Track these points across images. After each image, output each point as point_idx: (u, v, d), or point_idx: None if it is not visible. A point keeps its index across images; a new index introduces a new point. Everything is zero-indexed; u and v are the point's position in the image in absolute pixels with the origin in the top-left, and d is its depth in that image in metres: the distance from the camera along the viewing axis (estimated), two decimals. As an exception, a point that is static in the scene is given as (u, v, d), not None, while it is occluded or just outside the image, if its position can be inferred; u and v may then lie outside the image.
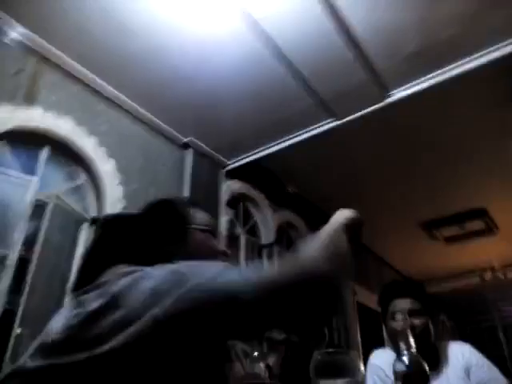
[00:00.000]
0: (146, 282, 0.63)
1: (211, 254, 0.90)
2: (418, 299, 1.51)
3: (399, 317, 1.47)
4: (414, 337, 1.15)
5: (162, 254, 0.82)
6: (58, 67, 2.46)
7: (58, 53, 2.44)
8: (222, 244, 0.97)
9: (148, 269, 0.68)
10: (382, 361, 1.49)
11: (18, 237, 2.03)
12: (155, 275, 0.64)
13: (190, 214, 0.93)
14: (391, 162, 3.62)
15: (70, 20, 2.29)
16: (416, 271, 5.44)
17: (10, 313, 1.94)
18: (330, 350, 0.97)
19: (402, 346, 1.13)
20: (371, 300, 4.76)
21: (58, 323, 0.65)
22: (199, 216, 0.94)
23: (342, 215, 0.92)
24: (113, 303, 0.60)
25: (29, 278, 2.01)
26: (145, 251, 0.83)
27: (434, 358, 1.42)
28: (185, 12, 2.26)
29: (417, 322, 1.44)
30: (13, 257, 1.99)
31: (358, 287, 4.54)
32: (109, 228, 0.88)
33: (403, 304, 1.50)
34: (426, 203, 4.23)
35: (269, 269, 0.72)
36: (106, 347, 0.56)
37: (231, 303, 0.60)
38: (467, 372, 1.40)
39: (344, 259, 0.75)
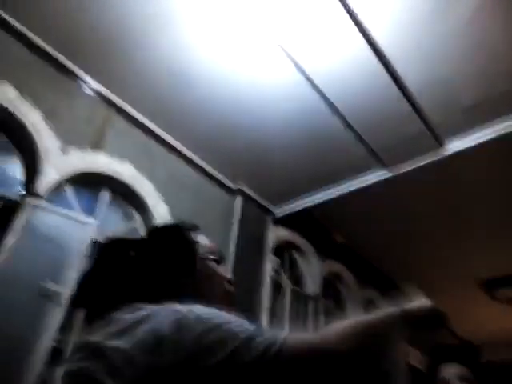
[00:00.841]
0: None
1: (219, 284, 0.89)
2: (468, 365, 1.43)
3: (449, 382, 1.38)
4: None
5: (172, 286, 0.81)
6: (123, 118, 2.66)
7: (125, 105, 2.65)
8: (227, 271, 0.93)
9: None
10: None
11: (73, 275, 2.11)
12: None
13: (196, 241, 0.90)
14: (444, 215, 3.45)
15: (139, 75, 2.48)
16: (475, 334, 5.01)
17: (58, 351, 1.97)
18: None
19: None
20: (423, 363, 4.41)
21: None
22: (203, 242, 0.92)
23: (414, 304, 0.80)
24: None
25: (79, 317, 2.06)
26: (155, 283, 0.81)
27: None
28: (241, 63, 2.38)
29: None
30: (66, 294, 2.06)
31: (410, 349, 4.23)
32: (111, 253, 0.87)
33: (453, 371, 1.42)
34: (484, 260, 3.95)
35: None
36: None
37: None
38: None
39: (379, 343, 0.67)
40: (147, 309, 0.68)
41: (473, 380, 1.38)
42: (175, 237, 0.91)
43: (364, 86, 2.40)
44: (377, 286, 4.28)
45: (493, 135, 2.53)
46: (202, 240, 0.93)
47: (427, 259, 3.99)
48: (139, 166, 2.64)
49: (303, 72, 2.37)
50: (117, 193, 2.60)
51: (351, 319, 0.69)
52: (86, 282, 0.83)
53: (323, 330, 0.67)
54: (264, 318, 3.02)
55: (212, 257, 0.92)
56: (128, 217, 2.67)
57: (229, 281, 0.92)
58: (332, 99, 2.50)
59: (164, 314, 0.64)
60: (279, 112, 2.64)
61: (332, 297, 3.89)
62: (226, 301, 0.88)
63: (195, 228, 0.96)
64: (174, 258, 0.86)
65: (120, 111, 2.64)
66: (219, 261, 0.93)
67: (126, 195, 2.62)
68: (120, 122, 2.64)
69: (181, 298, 0.74)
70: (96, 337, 0.66)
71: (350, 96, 2.47)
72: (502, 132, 2.50)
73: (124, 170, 2.54)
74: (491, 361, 4.40)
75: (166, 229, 0.95)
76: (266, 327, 0.64)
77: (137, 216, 2.69)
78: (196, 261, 0.88)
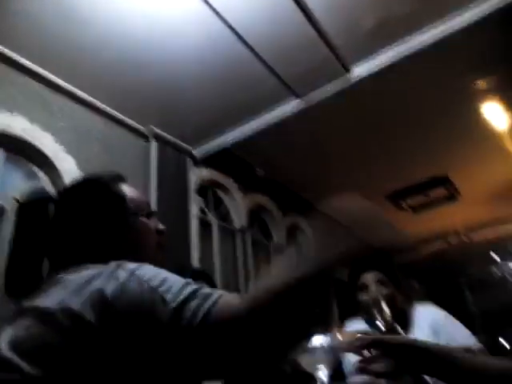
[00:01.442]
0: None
1: (152, 239, 0.88)
2: (384, 271, 1.63)
3: (369, 288, 1.58)
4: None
5: (104, 244, 0.79)
6: (5, 63, 2.32)
7: (7, 51, 2.30)
8: (158, 223, 0.92)
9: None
10: (355, 329, 1.54)
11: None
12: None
13: (126, 196, 0.87)
14: (354, 136, 3.66)
15: (18, 15, 2.15)
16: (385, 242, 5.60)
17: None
18: None
19: (376, 313, 1.18)
20: (342, 272, 4.89)
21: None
22: (131, 195, 0.88)
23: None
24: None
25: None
26: (85, 242, 0.79)
27: (403, 323, 1.46)
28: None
29: (384, 291, 1.55)
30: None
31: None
32: (30, 217, 0.84)
33: (371, 277, 1.61)
34: (390, 175, 4.33)
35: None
36: None
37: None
38: (435, 331, 1.48)
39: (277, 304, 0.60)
40: (94, 268, 0.66)
41: (387, 281, 1.59)
42: (102, 191, 0.86)
43: (269, 14, 2.32)
44: (299, 211, 4.53)
45: (393, 55, 2.65)
46: (130, 193, 0.89)
47: (341, 180, 4.24)
48: (34, 119, 2.37)
49: (207, 2, 2.22)
50: (12, 150, 2.34)
51: (270, 276, 0.67)
52: (12, 259, 0.79)
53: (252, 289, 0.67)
54: (195, 257, 3.07)
55: (143, 212, 0.88)
56: (31, 175, 2.45)
57: (161, 232, 0.90)
58: (238, 29, 2.40)
59: (107, 274, 0.63)
60: (186, 47, 2.49)
61: (258, 228, 4.05)
62: (159, 254, 0.87)
63: (120, 179, 0.91)
64: (103, 215, 0.82)
65: (2, 59, 2.30)
66: (150, 214, 0.91)
67: (23, 152, 2.38)
68: (4, 71, 2.31)
69: (114, 254, 0.73)
70: (44, 301, 0.64)
71: (257, 25, 2.39)
72: (403, 54, 2.63)
73: (16, 124, 2.28)
74: (400, 263, 4.99)
75: (88, 182, 0.89)
76: (202, 285, 0.63)
77: (41, 174, 2.47)
78: (127, 218, 0.84)
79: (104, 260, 0.69)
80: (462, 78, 3.04)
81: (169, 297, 0.59)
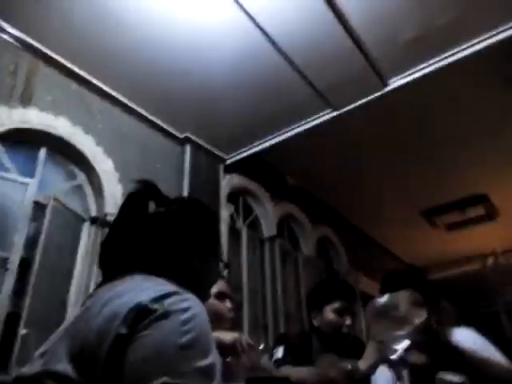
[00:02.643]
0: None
1: (214, 281, 0.96)
2: (419, 290, 1.46)
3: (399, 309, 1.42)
4: None
5: (185, 262, 0.81)
6: (52, 68, 2.44)
7: (51, 53, 2.42)
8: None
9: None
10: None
11: (18, 239, 2.02)
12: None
13: (220, 236, 0.95)
14: (391, 150, 3.60)
15: (61, 19, 2.26)
16: (418, 259, 5.44)
17: (15, 315, 1.93)
18: None
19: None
20: (374, 289, 4.78)
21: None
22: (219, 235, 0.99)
23: None
24: None
25: (32, 280, 2.00)
26: (172, 249, 0.81)
27: (442, 352, 1.37)
28: (177, 2, 2.22)
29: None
30: (14, 259, 1.98)
31: (362, 276, 4.55)
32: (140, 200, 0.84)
33: (404, 297, 1.43)
34: (426, 191, 4.22)
35: None
36: None
37: None
38: None
39: None
40: (189, 300, 0.65)
41: (421, 301, 1.45)
42: (209, 218, 0.92)
43: (307, 24, 2.33)
44: (329, 222, 4.48)
45: (431, 69, 2.59)
46: (219, 234, 0.99)
47: (375, 194, 4.19)
48: (76, 120, 2.47)
49: (245, 11, 2.25)
50: (55, 150, 2.44)
51: None
52: (108, 238, 0.82)
53: None
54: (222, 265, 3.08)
55: (223, 260, 0.97)
56: (70, 175, 2.55)
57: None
58: (276, 39, 2.43)
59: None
60: (223, 55, 2.53)
61: (287, 237, 4.03)
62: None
63: (218, 218, 1.03)
64: (200, 238, 0.86)
65: (48, 60, 2.41)
66: (226, 267, 0.99)
67: (64, 152, 2.47)
68: (49, 73, 2.42)
69: (185, 278, 0.76)
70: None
71: (294, 35, 2.40)
72: (440, 65, 2.57)
73: (59, 125, 2.38)
74: (434, 280, 4.82)
75: (200, 204, 0.95)
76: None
77: (80, 174, 2.56)
78: (217, 250, 0.91)
79: (168, 272, 0.74)
80: (503, 93, 2.94)
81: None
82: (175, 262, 0.80)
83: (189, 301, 0.65)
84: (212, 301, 1.40)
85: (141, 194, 0.84)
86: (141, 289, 0.67)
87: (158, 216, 0.84)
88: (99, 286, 0.76)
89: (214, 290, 1.43)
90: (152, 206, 0.86)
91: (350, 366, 1.31)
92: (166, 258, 0.79)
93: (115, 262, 0.78)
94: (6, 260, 1.96)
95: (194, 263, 0.83)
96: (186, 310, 0.62)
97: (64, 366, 0.59)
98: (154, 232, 0.81)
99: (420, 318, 1.10)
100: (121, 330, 0.58)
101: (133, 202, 0.83)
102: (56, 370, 0.59)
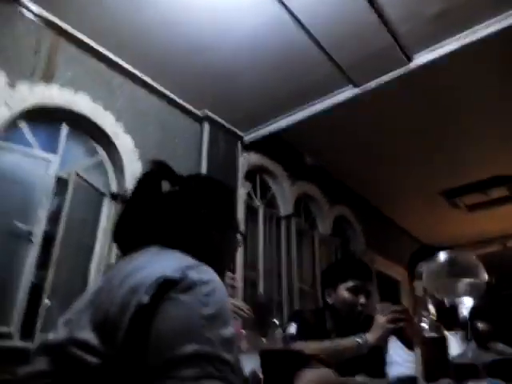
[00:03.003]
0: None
1: (234, 253, 1.00)
2: None
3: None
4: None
5: (203, 234, 0.84)
6: (72, 44, 2.45)
7: (72, 29, 2.43)
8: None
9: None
10: None
11: (42, 213, 2.09)
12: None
13: (236, 210, 0.97)
14: (412, 129, 3.52)
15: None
16: (437, 240, 5.38)
17: (38, 287, 2.02)
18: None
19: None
20: (390, 269, 4.77)
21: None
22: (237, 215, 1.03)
23: None
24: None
25: (54, 253, 2.07)
26: (190, 225, 0.83)
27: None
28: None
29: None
30: (38, 233, 2.05)
31: (377, 256, 4.54)
32: (154, 179, 0.86)
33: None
34: (448, 171, 4.13)
35: None
36: None
37: None
38: None
39: None
40: (208, 273, 0.68)
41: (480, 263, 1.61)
42: (225, 193, 0.95)
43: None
44: (347, 202, 4.46)
45: (457, 46, 2.50)
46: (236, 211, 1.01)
47: (395, 173, 4.13)
48: (96, 97, 2.50)
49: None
50: (76, 127, 2.48)
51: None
52: (124, 214, 0.84)
53: None
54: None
55: (241, 232, 0.99)
56: (91, 151, 2.59)
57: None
58: (298, 14, 2.37)
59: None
60: (244, 31, 2.49)
61: (304, 216, 4.04)
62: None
63: (234, 194, 1.04)
64: (218, 212, 0.89)
65: (69, 38, 2.43)
66: (243, 239, 1.02)
67: (85, 129, 2.51)
68: (70, 50, 2.44)
69: (203, 250, 0.79)
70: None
71: (316, 10, 2.33)
72: (464, 42, 2.47)
73: (80, 102, 2.40)
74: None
75: (215, 181, 0.98)
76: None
77: (100, 150, 2.60)
78: (234, 222, 0.94)
79: (187, 245, 0.76)
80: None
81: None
82: (193, 234, 0.82)
83: (208, 273, 0.67)
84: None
85: (154, 174, 0.86)
86: (161, 261, 0.69)
87: (172, 193, 0.87)
88: (119, 258, 0.79)
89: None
90: (166, 186, 0.88)
91: (359, 340, 1.37)
92: (182, 231, 0.81)
93: (131, 236, 0.81)
94: (29, 233, 2.03)
95: (213, 235, 0.85)
96: (207, 282, 0.64)
97: (88, 335, 0.61)
98: (170, 207, 0.84)
99: (482, 278, 1.08)
100: (143, 301, 0.60)
101: (146, 181, 0.85)
102: (80, 338, 0.62)
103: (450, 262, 0.95)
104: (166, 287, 0.61)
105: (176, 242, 0.77)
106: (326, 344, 1.43)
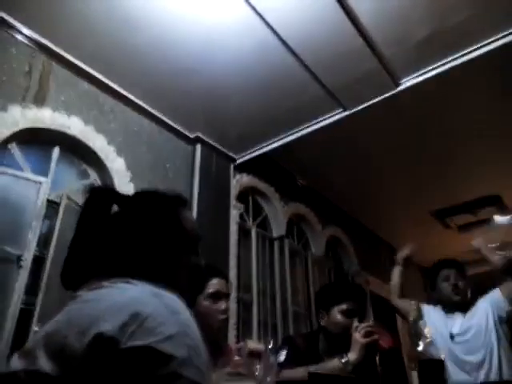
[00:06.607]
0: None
1: (189, 276, 0.85)
2: (461, 271, 2.30)
3: (450, 278, 2.21)
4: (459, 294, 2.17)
5: (156, 267, 0.77)
6: (64, 68, 2.48)
7: (64, 53, 2.46)
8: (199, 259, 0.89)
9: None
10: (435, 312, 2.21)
11: (32, 237, 2.06)
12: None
13: (188, 229, 0.84)
14: (402, 151, 3.57)
15: (75, 20, 2.29)
16: (428, 260, 5.39)
17: (28, 312, 1.97)
18: None
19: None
20: (383, 289, 4.74)
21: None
22: (191, 227, 0.86)
23: None
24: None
25: (44, 277, 2.03)
26: (142, 258, 0.76)
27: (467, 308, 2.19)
28: (186, 2, 2.23)
29: (461, 283, 2.22)
30: (28, 257, 2.02)
31: (371, 277, 4.52)
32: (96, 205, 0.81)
33: (451, 272, 2.25)
34: (438, 192, 4.18)
35: None
36: None
37: None
38: (491, 302, 2.15)
39: None
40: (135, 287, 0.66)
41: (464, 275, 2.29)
42: (172, 215, 0.83)
43: (318, 24, 2.32)
44: (339, 223, 4.46)
45: (444, 69, 2.57)
46: (190, 224, 0.86)
47: (386, 194, 4.16)
48: (88, 120, 2.51)
49: (256, 10, 2.26)
50: (67, 149, 2.48)
51: None
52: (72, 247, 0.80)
53: None
54: (232, 263, 3.10)
55: (195, 251, 0.87)
56: (82, 174, 2.58)
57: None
58: (286, 38, 2.42)
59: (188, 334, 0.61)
60: (234, 55, 2.54)
61: (297, 237, 4.03)
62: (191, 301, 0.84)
63: (185, 203, 0.89)
64: (176, 233, 0.81)
65: (61, 61, 2.45)
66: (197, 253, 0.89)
67: (77, 151, 2.51)
68: (62, 73, 2.46)
69: (170, 279, 0.74)
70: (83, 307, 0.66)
71: (305, 34, 2.39)
72: (452, 65, 2.54)
73: (72, 125, 2.41)
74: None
75: (161, 199, 0.86)
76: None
77: (92, 173, 2.60)
78: (185, 253, 0.83)
79: (145, 276, 0.70)
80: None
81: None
82: (153, 265, 0.76)
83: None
84: (203, 302, 1.39)
85: (95, 202, 0.82)
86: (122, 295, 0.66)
87: (115, 217, 0.82)
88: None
89: (210, 290, 1.43)
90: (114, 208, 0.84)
91: (342, 360, 1.47)
92: (141, 262, 0.76)
93: (82, 272, 0.76)
94: (19, 257, 1.99)
95: (163, 259, 0.78)
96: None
97: (44, 364, 0.59)
98: (116, 233, 0.79)
99: None
100: (106, 332, 0.57)
101: (88, 210, 0.81)
102: (35, 368, 0.59)
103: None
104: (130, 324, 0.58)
105: (136, 273, 0.72)
106: (312, 368, 1.45)
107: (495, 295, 2.16)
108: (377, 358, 1.35)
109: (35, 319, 1.93)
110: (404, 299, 2.39)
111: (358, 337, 1.52)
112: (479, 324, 2.08)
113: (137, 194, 0.90)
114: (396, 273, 2.55)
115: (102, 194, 0.83)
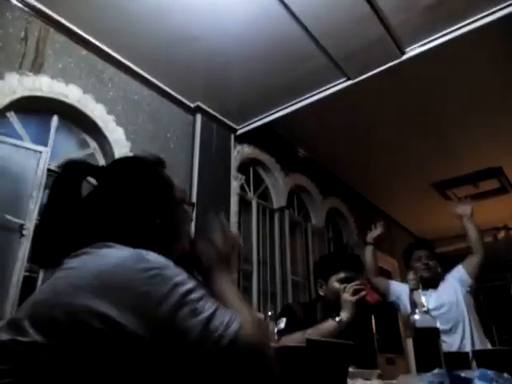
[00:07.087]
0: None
1: (189, 227, 0.87)
2: (431, 250, 2.55)
3: (422, 259, 2.46)
4: (430, 272, 2.42)
5: (144, 227, 0.76)
6: (62, 34, 2.41)
7: (62, 19, 2.39)
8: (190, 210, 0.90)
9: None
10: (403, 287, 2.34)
11: (33, 206, 2.07)
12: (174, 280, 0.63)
13: (173, 183, 0.85)
14: (404, 122, 3.53)
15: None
16: (429, 232, 5.44)
17: (32, 279, 2.00)
18: None
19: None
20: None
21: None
22: (176, 183, 0.86)
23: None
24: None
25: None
26: (128, 221, 0.76)
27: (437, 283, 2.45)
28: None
29: (432, 262, 2.47)
30: (30, 225, 2.03)
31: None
32: (69, 179, 0.79)
33: (422, 252, 2.49)
34: (439, 163, 4.16)
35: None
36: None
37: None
38: (456, 279, 2.43)
39: None
40: (119, 251, 0.67)
41: (434, 257, 2.51)
42: (152, 173, 0.83)
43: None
44: (339, 194, 4.47)
45: (449, 38, 2.50)
46: (171, 181, 0.86)
47: (386, 165, 4.15)
48: (87, 88, 2.46)
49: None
50: (67, 119, 2.45)
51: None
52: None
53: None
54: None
55: (185, 201, 0.87)
56: (83, 144, 2.56)
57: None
58: (290, 4, 2.35)
59: (145, 277, 0.63)
60: (236, 22, 2.46)
61: (297, 208, 4.05)
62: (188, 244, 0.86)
63: (163, 164, 0.88)
64: (151, 195, 0.79)
65: (59, 28, 2.38)
66: (191, 205, 0.90)
67: (76, 120, 2.48)
68: (60, 40, 2.40)
69: (148, 237, 0.74)
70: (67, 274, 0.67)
71: (309, 1, 2.32)
72: (457, 34, 2.47)
73: (70, 93, 2.37)
74: (443, 252, 4.82)
75: (138, 162, 0.85)
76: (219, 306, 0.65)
77: (92, 142, 2.58)
78: (173, 205, 0.83)
79: (133, 241, 0.69)
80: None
81: (195, 319, 0.60)
82: (134, 228, 0.75)
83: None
84: None
85: (67, 176, 0.80)
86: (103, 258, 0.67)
87: (93, 192, 0.81)
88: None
89: None
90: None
91: (336, 319, 1.56)
92: (123, 226, 0.75)
93: (57, 248, 0.74)
94: (21, 226, 2.01)
95: (156, 222, 0.78)
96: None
97: (32, 333, 0.60)
98: (94, 208, 0.78)
99: None
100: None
101: (59, 185, 0.79)
102: (24, 338, 0.60)
103: None
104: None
105: (118, 238, 0.71)
106: (309, 331, 1.54)
107: (460, 271, 2.46)
108: (373, 324, 1.38)
109: (39, 285, 1.97)
110: (380, 277, 2.66)
111: (346, 296, 1.61)
112: (450, 299, 2.36)
113: (113, 161, 0.89)
114: (368, 252, 2.69)
115: (73, 168, 0.81)
